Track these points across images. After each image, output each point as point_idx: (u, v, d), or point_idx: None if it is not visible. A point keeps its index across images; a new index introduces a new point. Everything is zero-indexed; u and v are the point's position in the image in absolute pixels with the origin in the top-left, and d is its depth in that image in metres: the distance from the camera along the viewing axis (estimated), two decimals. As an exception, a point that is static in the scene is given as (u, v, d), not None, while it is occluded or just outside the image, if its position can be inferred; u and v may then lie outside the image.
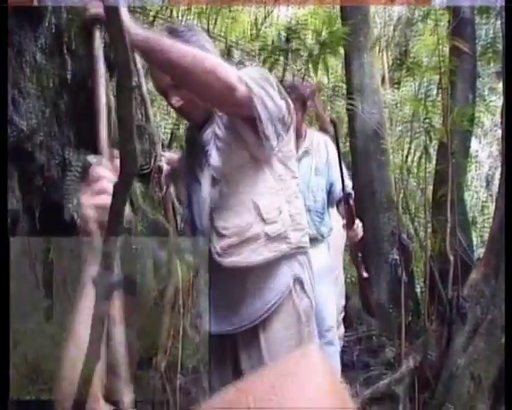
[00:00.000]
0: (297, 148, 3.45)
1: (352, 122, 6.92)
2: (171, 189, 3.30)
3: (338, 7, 7.97)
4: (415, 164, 7.49)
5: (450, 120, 4.51)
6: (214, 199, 2.19)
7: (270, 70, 6.99)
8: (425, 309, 4.96)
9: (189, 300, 5.38)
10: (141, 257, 3.18)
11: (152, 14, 6.06)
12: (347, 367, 5.03)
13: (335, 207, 3.98)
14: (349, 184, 3.83)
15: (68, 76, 1.98)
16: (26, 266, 2.18)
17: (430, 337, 4.42)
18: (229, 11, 8.56)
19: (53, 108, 1.91)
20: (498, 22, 7.89)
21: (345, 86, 7.62)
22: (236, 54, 6.91)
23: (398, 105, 9.63)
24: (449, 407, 3.79)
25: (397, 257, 5.74)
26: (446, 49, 5.30)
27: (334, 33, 6.29)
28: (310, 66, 6.51)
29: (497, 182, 9.88)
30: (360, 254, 3.87)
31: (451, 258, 4.35)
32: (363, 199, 6.73)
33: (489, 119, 10.35)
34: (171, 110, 7.49)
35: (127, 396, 1.13)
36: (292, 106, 2.29)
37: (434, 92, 8.98)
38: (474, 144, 9.72)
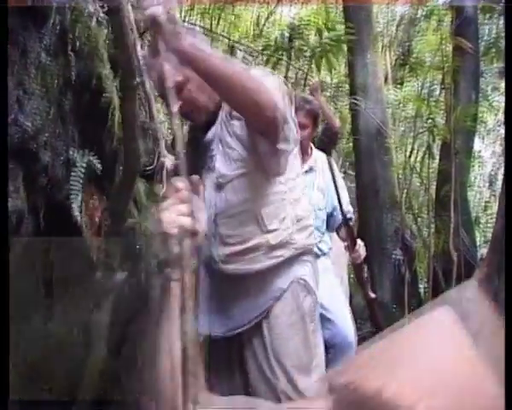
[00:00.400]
0: (303, 163, 3.41)
1: (355, 121, 6.90)
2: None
3: (341, 6, 7.97)
4: (418, 163, 7.48)
5: (454, 118, 4.51)
6: (219, 205, 2.18)
7: (273, 69, 7.00)
8: (428, 307, 4.96)
9: (192, 298, 5.38)
10: (145, 256, 3.19)
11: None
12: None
13: (335, 232, 3.94)
14: (350, 209, 3.81)
15: (73, 76, 1.98)
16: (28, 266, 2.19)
17: (433, 336, 4.42)
18: (232, 10, 8.56)
19: (57, 107, 1.91)
20: (501, 21, 7.89)
21: (348, 85, 7.60)
22: (239, 52, 6.90)
23: (401, 104, 9.62)
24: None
25: (400, 256, 5.73)
26: (449, 48, 5.30)
27: (336, 35, 6.31)
28: (313, 65, 6.51)
29: (500, 181, 9.88)
30: (366, 275, 3.88)
31: (455, 257, 4.35)
32: (366, 198, 6.73)
33: (492, 118, 10.34)
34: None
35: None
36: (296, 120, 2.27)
37: (437, 91, 8.97)
38: (477, 143, 9.70)
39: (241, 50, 6.87)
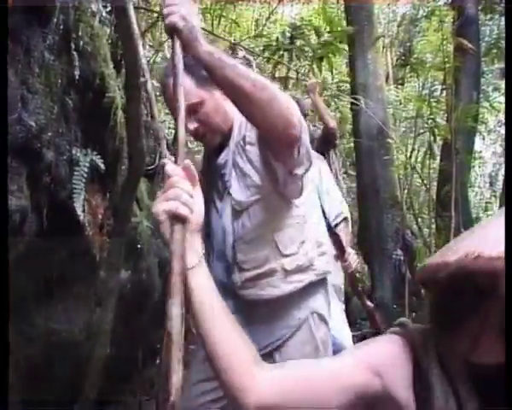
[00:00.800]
0: None
1: (355, 120, 6.91)
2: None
3: (342, 6, 7.98)
4: (419, 162, 7.49)
5: (455, 118, 4.51)
6: (237, 232, 2.15)
7: (275, 68, 7.00)
8: (429, 307, 4.97)
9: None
10: (146, 255, 3.20)
11: (157, 10, 6.06)
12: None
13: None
14: (339, 213, 3.71)
15: (76, 75, 1.99)
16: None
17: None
18: (234, 9, 8.56)
19: (61, 106, 1.92)
20: (503, 21, 7.89)
21: (349, 85, 7.61)
22: (240, 51, 6.90)
23: (402, 103, 9.62)
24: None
25: (401, 256, 5.74)
26: (450, 48, 5.29)
27: (337, 35, 6.30)
28: (314, 64, 6.51)
29: (501, 180, 9.89)
30: (360, 287, 3.89)
31: (455, 256, 4.35)
32: (367, 198, 6.74)
33: (493, 117, 10.35)
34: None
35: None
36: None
37: (438, 90, 8.98)
38: (478, 144, 9.71)
39: (241, 50, 6.86)
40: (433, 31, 8.90)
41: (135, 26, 1.39)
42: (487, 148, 11.76)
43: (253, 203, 2.11)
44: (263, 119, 1.83)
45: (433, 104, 4.91)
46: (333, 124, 4.47)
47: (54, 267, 2.38)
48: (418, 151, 8.64)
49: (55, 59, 1.84)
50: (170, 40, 1.77)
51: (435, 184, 6.51)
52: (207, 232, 2.31)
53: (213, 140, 2.18)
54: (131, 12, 1.37)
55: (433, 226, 5.46)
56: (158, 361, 4.57)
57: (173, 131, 6.68)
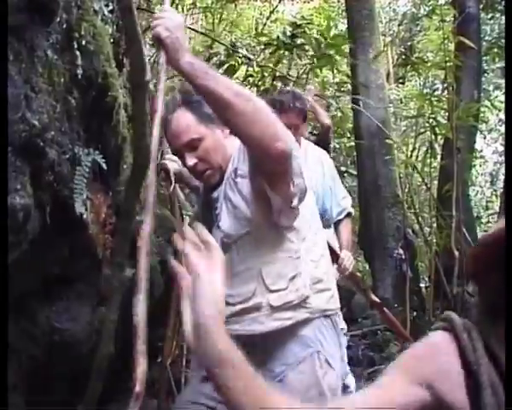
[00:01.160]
0: None
1: (356, 118, 6.92)
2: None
3: (343, 2, 7.98)
4: (420, 160, 7.49)
5: (456, 116, 4.51)
6: (226, 266, 2.15)
7: (276, 66, 7.00)
8: (430, 305, 4.98)
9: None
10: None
11: (158, 8, 6.05)
12: (352, 362, 5.05)
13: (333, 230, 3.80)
14: (346, 205, 3.72)
15: (78, 74, 2.00)
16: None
17: (435, 333, 4.43)
18: (234, 8, 8.57)
19: (63, 105, 1.93)
20: (503, 19, 7.89)
21: (350, 83, 7.62)
22: (241, 49, 6.90)
23: (403, 102, 9.63)
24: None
25: (402, 253, 5.75)
26: (451, 46, 5.30)
27: (338, 33, 6.32)
28: (315, 61, 6.51)
29: (501, 178, 9.89)
30: (363, 285, 3.87)
31: (456, 253, 4.36)
32: (368, 196, 6.76)
33: (494, 115, 10.35)
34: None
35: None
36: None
37: (439, 89, 8.98)
38: (479, 142, 9.71)
39: (242, 48, 6.86)
40: (434, 29, 8.91)
41: (138, 25, 1.44)
42: (488, 145, 11.76)
43: (242, 236, 2.09)
44: (249, 131, 1.83)
45: (434, 103, 4.90)
46: (328, 122, 4.53)
47: (56, 266, 2.38)
48: (419, 149, 8.66)
49: (58, 58, 1.84)
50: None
51: (435, 182, 6.52)
52: None
53: (212, 177, 2.20)
54: (135, 10, 1.39)
55: (434, 225, 5.45)
56: (159, 360, 4.57)
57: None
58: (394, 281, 6.16)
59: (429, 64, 7.52)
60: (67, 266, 2.41)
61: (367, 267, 7.41)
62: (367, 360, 5.41)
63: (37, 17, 1.69)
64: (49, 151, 1.80)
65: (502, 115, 9.59)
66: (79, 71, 2.02)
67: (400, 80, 11.78)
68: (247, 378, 1.05)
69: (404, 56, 11.23)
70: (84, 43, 2.03)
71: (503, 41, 7.19)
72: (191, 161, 2.14)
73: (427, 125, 5.19)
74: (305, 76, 7.14)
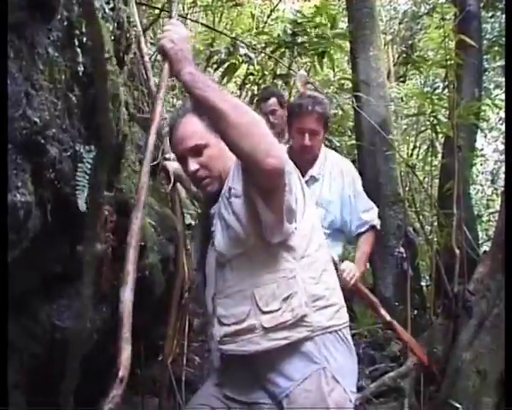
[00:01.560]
0: (305, 172, 3.25)
1: (357, 116, 6.91)
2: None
3: (344, 0, 7.98)
4: (421, 158, 7.49)
5: (456, 115, 4.51)
6: (218, 284, 2.16)
7: (276, 64, 7.00)
8: (431, 303, 4.97)
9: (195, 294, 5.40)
10: (149, 252, 3.20)
11: (158, 6, 6.06)
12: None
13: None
14: (367, 218, 3.53)
15: (79, 71, 1.99)
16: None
17: (436, 331, 4.44)
18: (235, 6, 8.56)
19: (64, 101, 1.92)
20: (504, 16, 7.88)
21: (350, 82, 7.61)
22: (242, 48, 6.90)
23: (404, 99, 9.63)
24: (454, 403, 3.80)
25: (403, 251, 5.74)
26: (452, 44, 5.30)
27: (339, 31, 6.31)
28: (315, 60, 6.51)
29: (502, 177, 9.88)
30: (375, 300, 3.65)
31: (457, 252, 4.36)
32: (368, 194, 6.73)
33: (495, 113, 10.35)
34: (177, 104, 7.50)
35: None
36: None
37: (440, 87, 8.97)
38: (480, 140, 9.71)
39: (243, 47, 6.86)
40: (435, 28, 8.90)
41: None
42: (489, 144, 11.76)
43: (236, 256, 2.09)
44: (241, 144, 1.84)
45: (435, 101, 4.90)
46: None
47: (57, 264, 2.38)
48: (420, 147, 8.65)
49: (59, 55, 1.84)
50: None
51: (436, 181, 6.52)
52: (202, 273, 2.34)
53: (211, 186, 2.20)
54: (136, 15, 1.40)
55: (435, 223, 5.45)
56: (160, 358, 4.57)
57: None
58: (395, 279, 6.15)
59: (430, 62, 7.53)
60: (68, 263, 2.41)
61: (368, 266, 7.41)
62: (368, 359, 5.41)
63: (37, 14, 1.68)
64: (49, 148, 1.80)
65: (502, 114, 9.57)
66: (80, 68, 2.02)
67: (401, 78, 11.78)
68: None
69: (404, 55, 11.23)
70: (84, 40, 2.03)
71: (504, 39, 7.19)
72: (193, 166, 2.15)
73: (427, 123, 5.17)
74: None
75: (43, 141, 1.73)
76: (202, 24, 7.77)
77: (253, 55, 6.82)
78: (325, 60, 6.42)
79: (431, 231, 5.56)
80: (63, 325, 2.53)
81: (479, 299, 4.10)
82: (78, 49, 1.98)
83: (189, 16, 8.33)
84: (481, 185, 11.68)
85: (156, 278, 3.43)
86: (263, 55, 7.15)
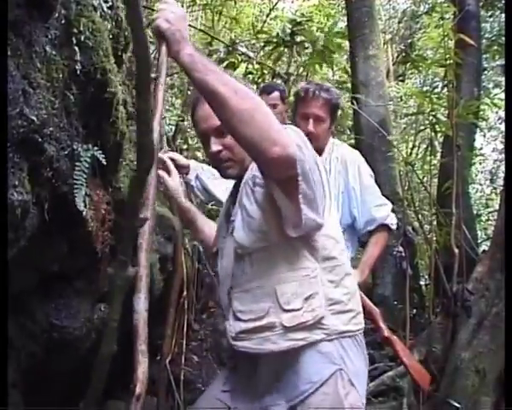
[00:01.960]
0: None
1: (356, 116, 6.91)
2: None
3: (343, 1, 7.97)
4: (420, 157, 7.49)
5: (456, 114, 4.50)
6: (236, 276, 2.06)
7: (275, 63, 6.99)
8: (430, 302, 4.98)
9: (194, 293, 5.40)
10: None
11: (157, 6, 6.05)
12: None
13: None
14: (377, 215, 3.29)
15: (77, 70, 1.99)
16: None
17: (435, 331, 4.44)
18: (234, 5, 8.56)
19: (62, 99, 1.92)
20: (503, 17, 7.88)
21: (349, 81, 7.61)
22: (241, 47, 6.90)
23: (403, 99, 9.63)
24: (453, 402, 3.80)
25: (402, 250, 5.74)
26: (451, 43, 5.29)
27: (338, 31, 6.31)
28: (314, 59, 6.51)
29: (501, 176, 9.88)
30: (376, 310, 3.24)
31: (456, 251, 4.36)
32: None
33: (494, 113, 10.36)
34: (176, 102, 7.50)
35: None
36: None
37: (439, 87, 8.97)
38: (479, 140, 9.72)
39: (242, 46, 6.86)
40: (434, 27, 8.92)
41: (143, 20, 1.44)
42: (488, 143, 11.77)
43: (257, 250, 2.01)
44: (243, 132, 1.75)
45: (434, 100, 4.89)
46: None
47: (55, 262, 2.38)
48: (419, 147, 8.65)
49: (57, 53, 1.83)
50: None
51: (435, 180, 6.52)
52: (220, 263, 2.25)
53: (232, 170, 2.13)
54: (140, 4, 1.38)
55: (434, 223, 5.45)
56: (158, 358, 4.57)
57: (173, 128, 6.69)
58: (394, 279, 6.15)
59: (429, 61, 7.53)
60: (66, 262, 2.41)
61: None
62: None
63: (35, 12, 1.68)
64: (47, 147, 1.79)
65: (501, 113, 9.59)
66: (78, 67, 2.01)
67: (400, 78, 11.79)
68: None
69: (403, 54, 11.24)
70: (82, 38, 2.02)
71: (503, 39, 7.19)
72: (216, 147, 2.09)
73: (426, 122, 5.17)
74: (304, 73, 7.15)
75: (40, 139, 1.72)
76: (200, 30, 7.75)
77: (252, 54, 6.83)
78: (319, 58, 6.42)
79: (430, 231, 5.55)
80: (61, 324, 2.53)
81: (478, 298, 4.10)
82: (76, 48, 1.97)
83: (188, 15, 8.33)
84: (480, 185, 11.68)
85: (154, 277, 3.42)
86: (262, 53, 7.16)
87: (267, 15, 9.14)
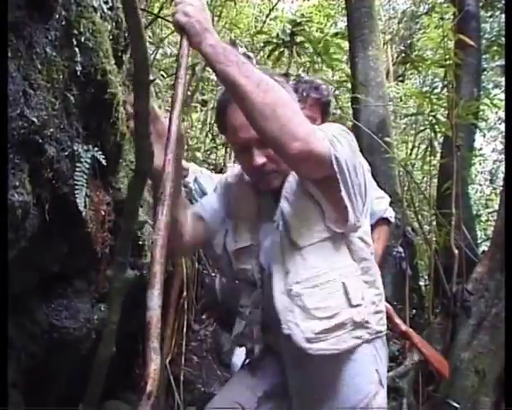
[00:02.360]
0: None
1: (356, 116, 6.91)
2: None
3: (343, 1, 7.97)
4: (419, 158, 7.48)
5: (455, 114, 4.51)
6: (297, 273, 1.91)
7: (275, 64, 6.99)
8: (429, 303, 4.98)
9: (193, 293, 5.40)
10: (147, 252, 3.20)
11: (157, 6, 6.06)
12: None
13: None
14: (376, 209, 3.26)
15: (77, 71, 1.99)
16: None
17: (434, 331, 4.44)
18: (234, 6, 8.56)
19: (62, 100, 1.92)
20: (503, 17, 7.89)
21: (349, 81, 7.61)
22: (241, 48, 6.90)
23: (403, 99, 9.64)
24: (452, 403, 3.80)
25: (401, 251, 5.74)
26: (451, 43, 5.30)
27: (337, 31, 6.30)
28: (314, 59, 6.51)
29: (501, 176, 9.89)
30: (389, 307, 3.37)
31: (456, 252, 4.36)
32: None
33: (493, 113, 10.36)
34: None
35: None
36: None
37: (439, 87, 8.97)
38: (479, 140, 9.73)
39: (242, 46, 6.86)
40: (434, 27, 8.92)
41: (142, 22, 1.42)
42: (488, 144, 11.77)
43: (320, 240, 1.92)
44: (264, 126, 1.69)
45: (434, 101, 4.90)
46: None
47: (55, 263, 2.38)
48: (419, 146, 8.65)
49: (57, 54, 1.83)
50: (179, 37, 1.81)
51: (435, 180, 6.52)
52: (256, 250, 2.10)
53: (276, 181, 2.01)
54: (139, 7, 1.38)
55: (434, 223, 5.45)
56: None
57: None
58: (394, 279, 6.14)
59: (429, 62, 7.52)
60: (66, 263, 2.41)
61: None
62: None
63: (35, 14, 1.68)
64: (47, 148, 1.79)
65: (501, 113, 9.59)
66: (78, 68, 2.01)
67: (400, 78, 11.79)
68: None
69: (403, 54, 11.25)
70: (83, 39, 2.02)
71: (503, 39, 7.19)
72: (261, 159, 1.94)
73: (426, 122, 5.18)
74: (304, 74, 7.14)
75: (40, 140, 1.72)
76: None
77: (251, 55, 6.82)
78: (324, 59, 6.42)
79: (430, 231, 5.56)
80: (61, 325, 2.53)
81: (477, 299, 4.10)
82: (77, 49, 1.98)
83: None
84: (480, 185, 11.69)
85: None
86: (262, 54, 7.16)
87: (267, 16, 9.15)
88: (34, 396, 2.58)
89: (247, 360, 2.26)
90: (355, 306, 1.91)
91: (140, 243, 3.04)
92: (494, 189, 10.95)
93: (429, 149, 5.46)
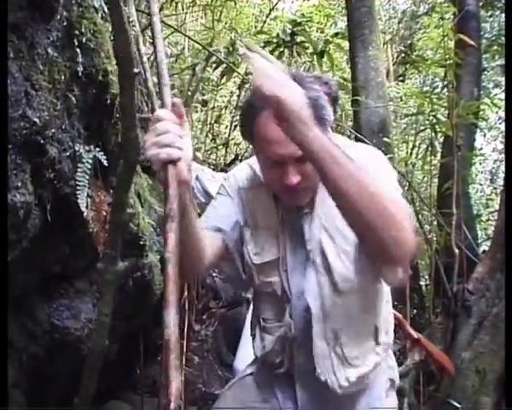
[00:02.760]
0: None
1: (356, 116, 6.91)
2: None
3: (343, 1, 7.97)
4: (420, 157, 7.49)
5: (456, 114, 4.50)
6: (338, 315, 1.81)
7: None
8: (430, 302, 4.98)
9: (194, 294, 5.41)
10: (148, 252, 3.20)
11: (157, 6, 6.05)
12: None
13: None
14: None
15: (79, 71, 2.00)
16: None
17: (435, 331, 4.43)
18: (234, 5, 8.57)
19: (64, 101, 1.93)
20: (503, 17, 7.89)
21: (350, 81, 7.61)
22: (241, 48, 6.90)
23: (403, 99, 9.63)
24: (453, 403, 3.80)
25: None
26: (451, 43, 5.29)
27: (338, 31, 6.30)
28: (315, 59, 6.51)
29: (501, 176, 9.89)
30: (398, 315, 3.34)
31: (456, 251, 4.36)
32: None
33: (494, 113, 10.36)
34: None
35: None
36: None
37: (439, 87, 8.97)
38: (479, 140, 9.72)
39: (241, 47, 6.86)
40: (434, 27, 8.91)
41: (125, 16, 1.39)
42: (488, 143, 11.76)
43: (360, 283, 1.81)
44: (368, 235, 1.50)
45: (434, 100, 4.89)
46: None
47: (57, 263, 2.39)
48: (419, 146, 8.65)
49: (59, 55, 1.84)
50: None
51: (436, 180, 6.52)
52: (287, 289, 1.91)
53: (306, 198, 1.84)
54: (121, 3, 1.38)
55: (434, 223, 5.45)
56: (159, 358, 4.58)
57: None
58: (394, 279, 6.15)
59: (429, 62, 7.53)
60: (68, 263, 2.42)
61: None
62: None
63: (37, 14, 1.69)
64: (49, 148, 1.80)
65: (501, 113, 9.58)
66: (80, 68, 2.01)
67: (400, 78, 11.78)
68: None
69: (403, 54, 11.25)
70: (84, 40, 2.03)
71: (503, 39, 7.19)
72: (296, 177, 1.71)
73: (427, 122, 5.17)
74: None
75: (42, 141, 1.73)
76: (194, 40, 7.74)
77: (251, 55, 6.81)
78: (324, 59, 6.42)
79: (430, 231, 5.55)
80: (62, 325, 2.54)
81: (478, 298, 4.10)
82: (78, 50, 1.98)
83: (188, 15, 8.34)
84: (480, 185, 11.68)
85: (155, 277, 3.43)
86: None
87: (267, 16, 9.15)
88: (36, 396, 2.58)
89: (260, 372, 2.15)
90: (380, 344, 1.91)
91: (141, 243, 3.04)
92: (495, 188, 10.94)
93: (430, 148, 5.45)
